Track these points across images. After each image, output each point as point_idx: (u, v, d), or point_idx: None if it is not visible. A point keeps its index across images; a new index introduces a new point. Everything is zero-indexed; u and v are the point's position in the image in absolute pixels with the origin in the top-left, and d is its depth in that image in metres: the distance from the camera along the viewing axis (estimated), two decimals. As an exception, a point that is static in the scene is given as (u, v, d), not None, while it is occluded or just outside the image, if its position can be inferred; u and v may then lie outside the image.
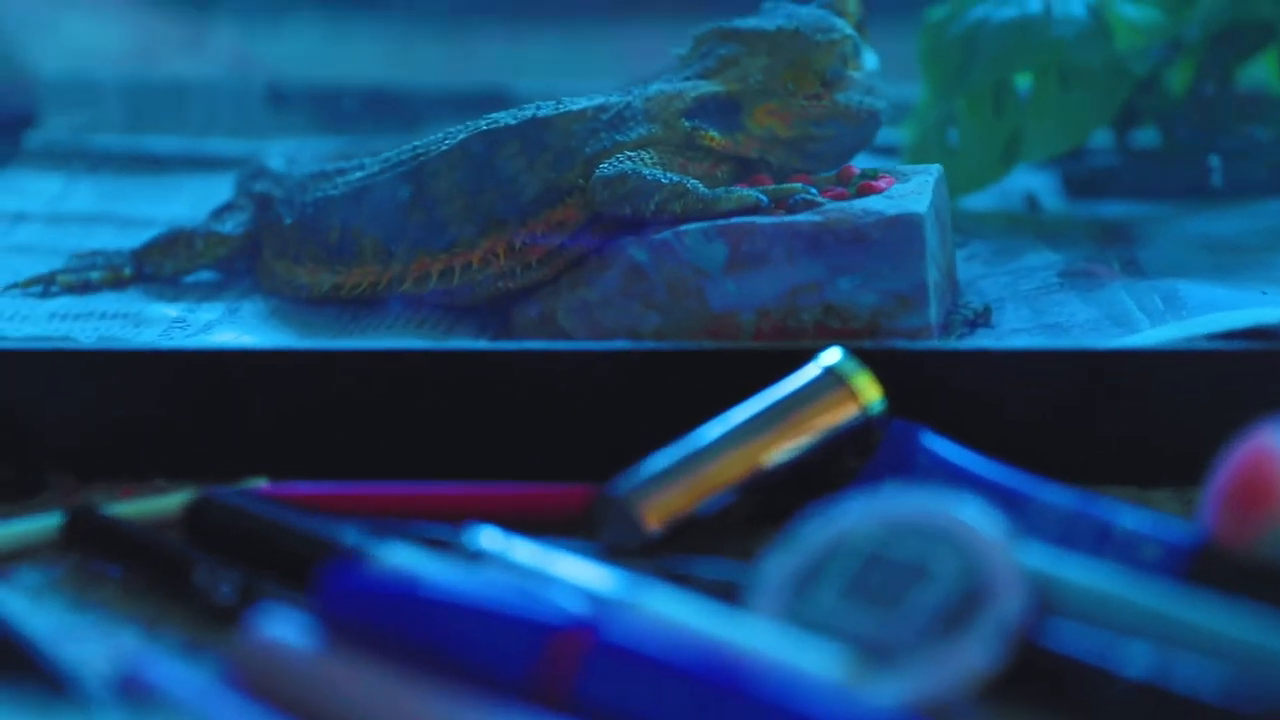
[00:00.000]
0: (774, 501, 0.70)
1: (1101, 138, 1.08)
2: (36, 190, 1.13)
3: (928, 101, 1.04)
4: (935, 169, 0.85)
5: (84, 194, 1.14)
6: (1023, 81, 1.02)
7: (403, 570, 0.59)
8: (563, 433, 0.75)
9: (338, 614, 0.56)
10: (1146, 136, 1.08)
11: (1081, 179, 1.08)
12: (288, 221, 0.91)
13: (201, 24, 1.42)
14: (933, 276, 0.79)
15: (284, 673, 0.56)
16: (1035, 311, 0.85)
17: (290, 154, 1.04)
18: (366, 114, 1.25)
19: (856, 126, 0.86)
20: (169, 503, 0.72)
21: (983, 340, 0.81)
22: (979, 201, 1.03)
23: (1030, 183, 1.08)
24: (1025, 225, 1.02)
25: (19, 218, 1.08)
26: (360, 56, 1.37)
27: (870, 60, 0.89)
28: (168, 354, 0.78)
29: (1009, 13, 1.02)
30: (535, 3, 1.41)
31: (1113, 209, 1.03)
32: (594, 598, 0.58)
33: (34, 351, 0.78)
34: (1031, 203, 1.06)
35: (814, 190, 0.81)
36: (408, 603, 0.56)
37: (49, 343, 0.81)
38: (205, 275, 0.95)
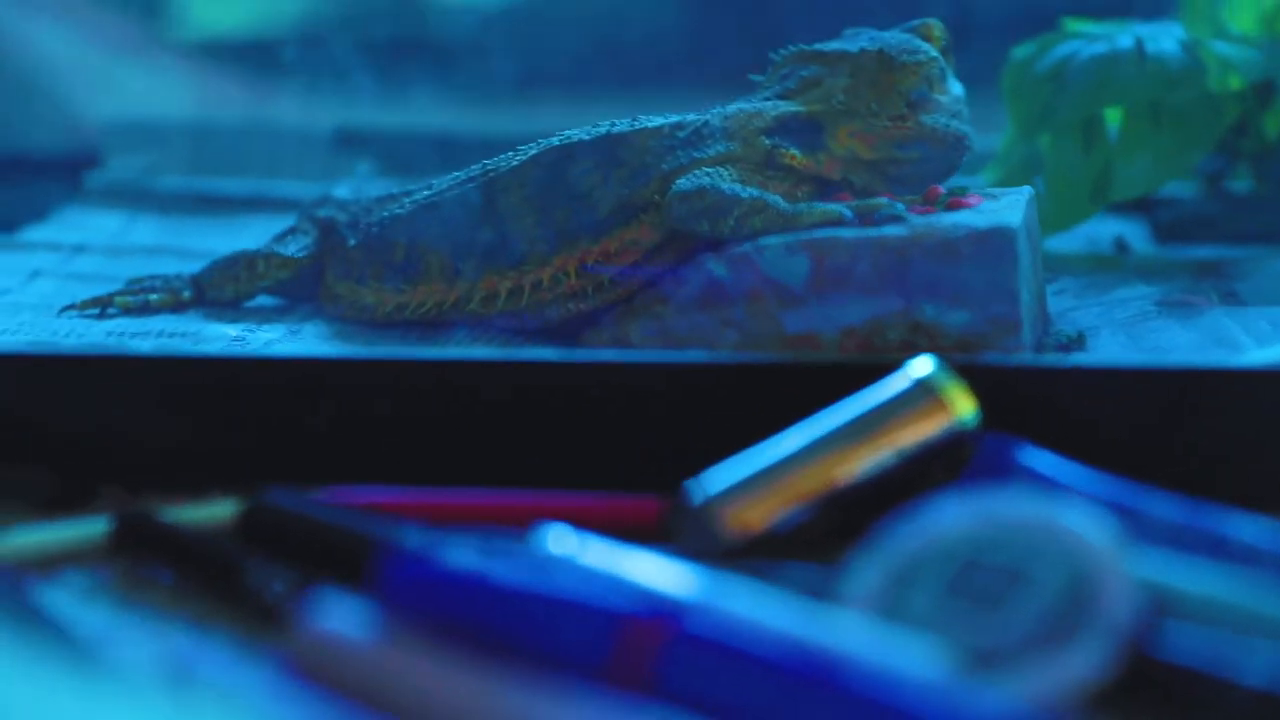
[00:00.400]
0: (856, 518, 0.66)
1: (1186, 186, 1.05)
2: (97, 226, 1.11)
3: (1012, 140, 1.01)
4: (1026, 190, 0.82)
5: (146, 229, 1.11)
6: (1112, 119, 0.99)
7: (469, 563, 0.55)
8: (635, 448, 0.71)
9: (401, 603, 0.53)
10: (1239, 180, 1.04)
11: (1170, 224, 1.04)
12: (352, 243, 0.88)
13: (271, 74, 1.40)
14: (1025, 295, 0.76)
15: (344, 663, 0.52)
16: (1132, 338, 0.81)
17: (357, 187, 1.02)
18: (433, 159, 1.23)
19: (942, 150, 0.83)
20: (221, 509, 0.68)
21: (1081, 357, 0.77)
22: (1065, 243, 1.00)
23: (1116, 230, 1.04)
24: (1115, 266, 0.98)
25: (79, 249, 1.06)
26: (428, 106, 1.36)
27: (956, 88, 0.86)
28: (223, 361, 0.75)
29: (1099, 48, 0.99)
30: (600, 71, 1.39)
31: (1205, 251, 1.00)
32: (673, 594, 0.55)
33: (85, 358, 0.75)
34: (1121, 245, 1.02)
35: (900, 205, 0.78)
36: (477, 591, 0.52)
37: (100, 348, 0.78)
38: (266, 301, 0.92)
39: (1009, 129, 1.01)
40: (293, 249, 0.91)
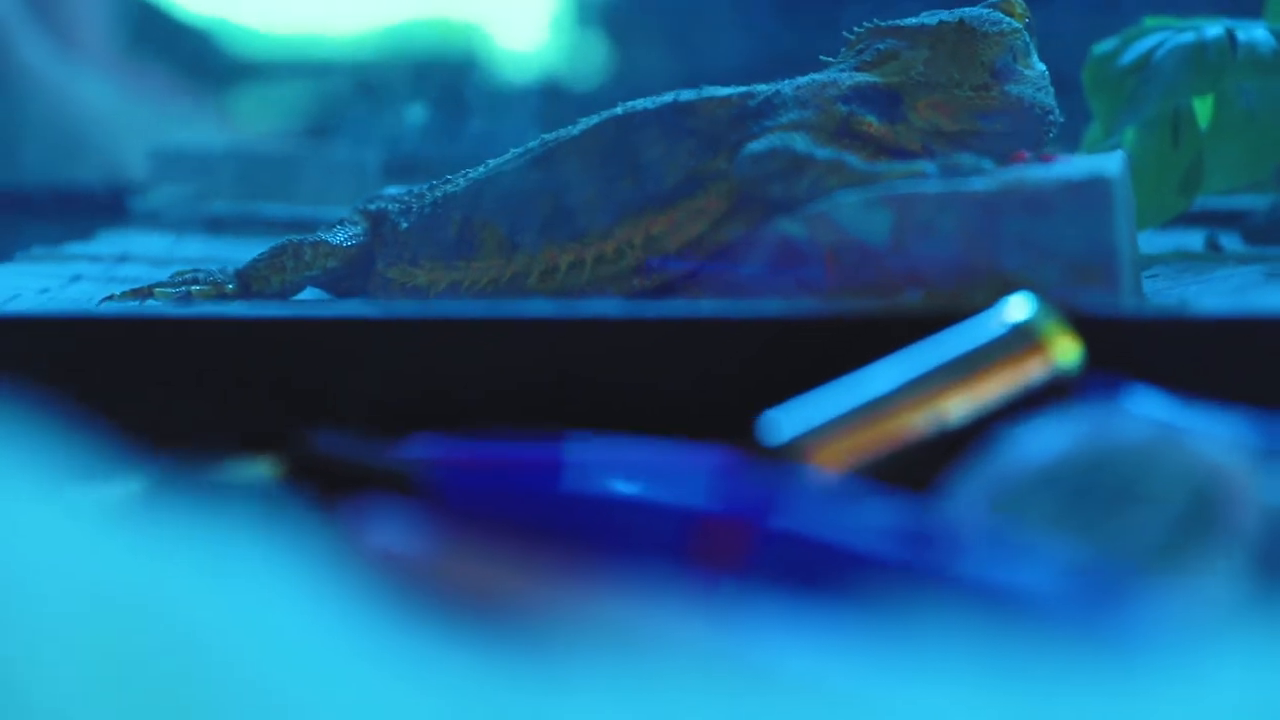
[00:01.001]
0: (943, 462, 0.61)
1: (1264, 198, 1.01)
2: (143, 244, 1.08)
3: (1095, 137, 0.96)
4: (1118, 151, 0.77)
5: (192, 246, 1.08)
6: (1201, 111, 0.94)
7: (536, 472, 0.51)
8: (708, 404, 0.66)
9: (464, 511, 0.48)
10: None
11: (1262, 228, 0.99)
12: (404, 226, 0.84)
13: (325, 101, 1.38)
14: (1123, 251, 0.71)
15: (413, 572, 0.47)
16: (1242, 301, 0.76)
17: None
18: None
19: (1028, 122, 0.78)
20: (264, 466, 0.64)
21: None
22: (1153, 243, 0.95)
23: (1204, 236, 1.00)
24: (1209, 260, 0.93)
25: (123, 258, 1.02)
26: (472, 136, 1.33)
27: (1039, 65, 0.82)
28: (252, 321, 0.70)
29: (1187, 38, 0.94)
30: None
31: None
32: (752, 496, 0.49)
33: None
34: (1213, 244, 0.97)
35: (987, 160, 0.73)
36: (544, 496, 0.47)
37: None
38: (311, 293, 0.88)
39: (1091, 126, 0.97)
40: (341, 237, 0.86)
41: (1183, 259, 0.93)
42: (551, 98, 1.47)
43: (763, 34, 1.43)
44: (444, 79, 1.50)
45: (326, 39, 1.55)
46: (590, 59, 1.58)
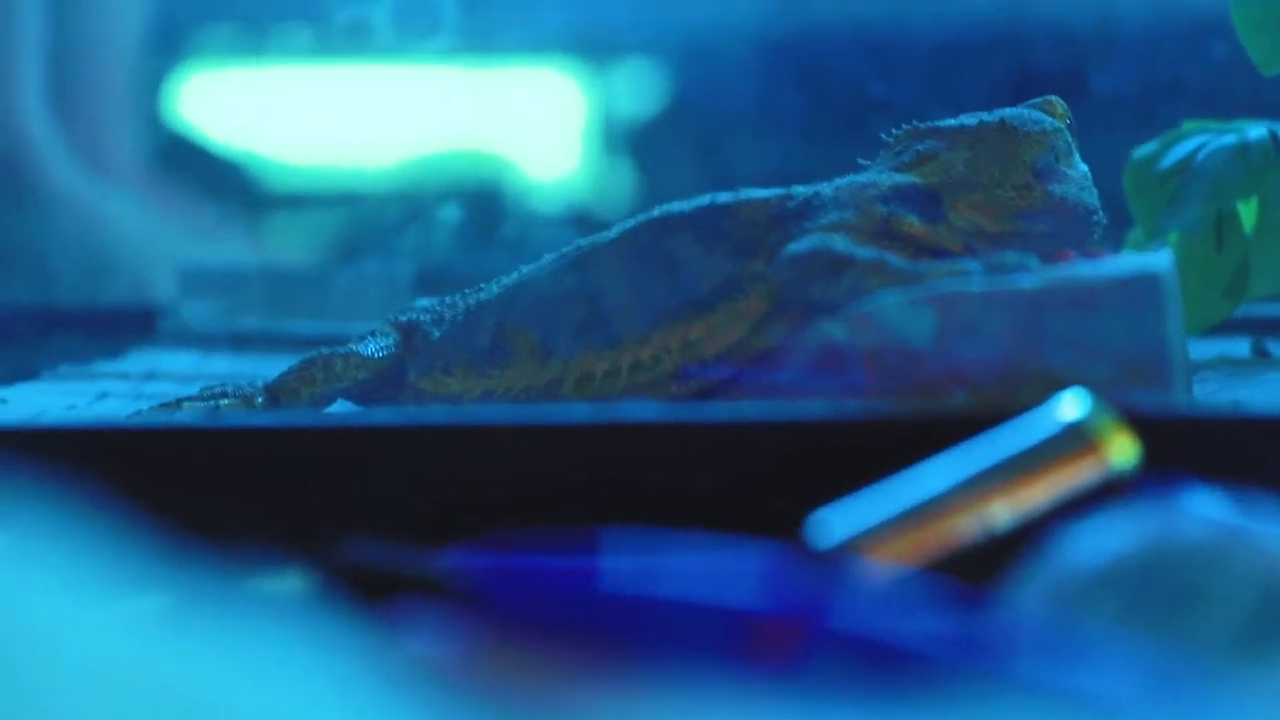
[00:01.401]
0: (983, 570, 0.59)
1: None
2: (171, 362, 1.07)
3: (1138, 241, 0.95)
4: (1165, 250, 0.75)
5: (219, 363, 1.06)
6: (1245, 214, 0.92)
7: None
8: (751, 508, 0.65)
9: (500, 613, 0.46)
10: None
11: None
12: (435, 335, 0.82)
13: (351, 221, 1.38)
14: (1173, 351, 0.69)
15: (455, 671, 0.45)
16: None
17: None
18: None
19: (1071, 223, 0.77)
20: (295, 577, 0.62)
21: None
22: (1197, 350, 0.93)
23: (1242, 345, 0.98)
24: (1255, 365, 0.91)
25: (150, 375, 1.01)
26: (503, 248, 1.32)
27: (1082, 166, 0.80)
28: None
29: (1228, 140, 0.93)
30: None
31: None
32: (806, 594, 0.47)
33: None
34: (1260, 349, 0.95)
35: (1032, 257, 0.72)
36: (584, 597, 0.45)
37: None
38: (342, 406, 0.86)
39: (1133, 230, 0.95)
40: (372, 348, 0.85)
41: (1229, 365, 0.91)
42: (581, 222, 1.47)
43: (792, 155, 1.42)
44: (475, 201, 1.49)
45: (358, 170, 1.55)
46: (619, 184, 1.58)
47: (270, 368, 1.04)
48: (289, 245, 1.48)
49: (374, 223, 1.43)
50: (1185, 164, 0.93)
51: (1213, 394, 0.80)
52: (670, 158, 1.52)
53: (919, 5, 1.38)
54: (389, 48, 1.51)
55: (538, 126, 1.56)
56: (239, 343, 1.11)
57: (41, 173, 1.32)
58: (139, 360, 1.07)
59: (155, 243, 1.35)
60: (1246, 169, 0.91)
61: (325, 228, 1.50)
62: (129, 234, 1.36)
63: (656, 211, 0.79)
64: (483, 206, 1.50)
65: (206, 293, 1.20)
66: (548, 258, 0.81)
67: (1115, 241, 0.93)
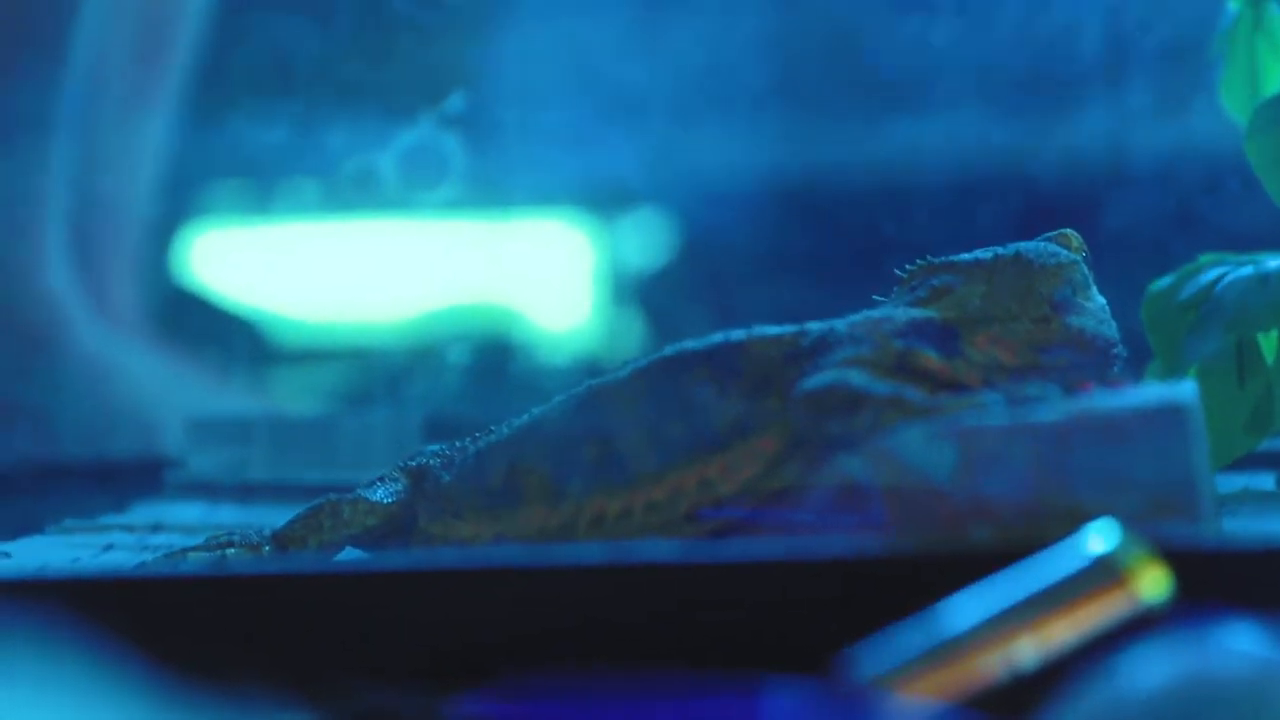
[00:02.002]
0: (1015, 707, 0.57)
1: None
2: (178, 513, 1.05)
3: (1158, 374, 0.93)
4: (1189, 381, 0.74)
5: (226, 514, 1.05)
6: (1267, 346, 0.91)
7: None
8: (773, 649, 0.63)
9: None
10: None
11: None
12: (446, 479, 0.81)
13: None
14: (1201, 483, 0.67)
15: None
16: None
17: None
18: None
19: (1091, 356, 0.76)
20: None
21: None
22: (1220, 484, 0.91)
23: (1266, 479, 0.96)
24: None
25: (156, 527, 0.99)
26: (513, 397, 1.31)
27: (1099, 298, 0.79)
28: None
29: (1245, 272, 0.92)
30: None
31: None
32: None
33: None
34: (1284, 483, 0.94)
35: (1054, 388, 0.70)
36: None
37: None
38: (350, 554, 0.84)
39: (1152, 364, 0.94)
40: (381, 494, 0.83)
41: (1256, 498, 0.90)
42: (591, 371, 1.46)
43: (805, 297, 1.41)
44: (484, 351, 1.48)
45: (367, 321, 1.55)
46: (629, 332, 1.57)
47: (279, 518, 1.02)
48: (297, 395, 1.47)
49: (383, 372, 1.42)
50: (1204, 296, 0.92)
51: (1241, 527, 0.78)
52: (681, 304, 1.51)
53: (929, 142, 1.37)
54: (396, 199, 1.51)
55: (546, 276, 1.55)
56: (247, 493, 1.10)
57: (50, 325, 1.31)
58: (145, 512, 1.06)
59: (163, 395, 1.34)
60: (1266, 300, 0.90)
61: (333, 377, 1.49)
62: (136, 387, 1.35)
63: (669, 349, 0.78)
64: (491, 356, 1.49)
65: (214, 444, 1.18)
66: (559, 398, 0.79)
67: (1135, 375, 0.91)
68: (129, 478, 1.18)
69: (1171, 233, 1.33)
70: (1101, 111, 1.35)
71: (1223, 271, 0.92)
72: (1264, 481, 0.95)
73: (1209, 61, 1.02)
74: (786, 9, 1.42)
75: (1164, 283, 0.94)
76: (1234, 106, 1.00)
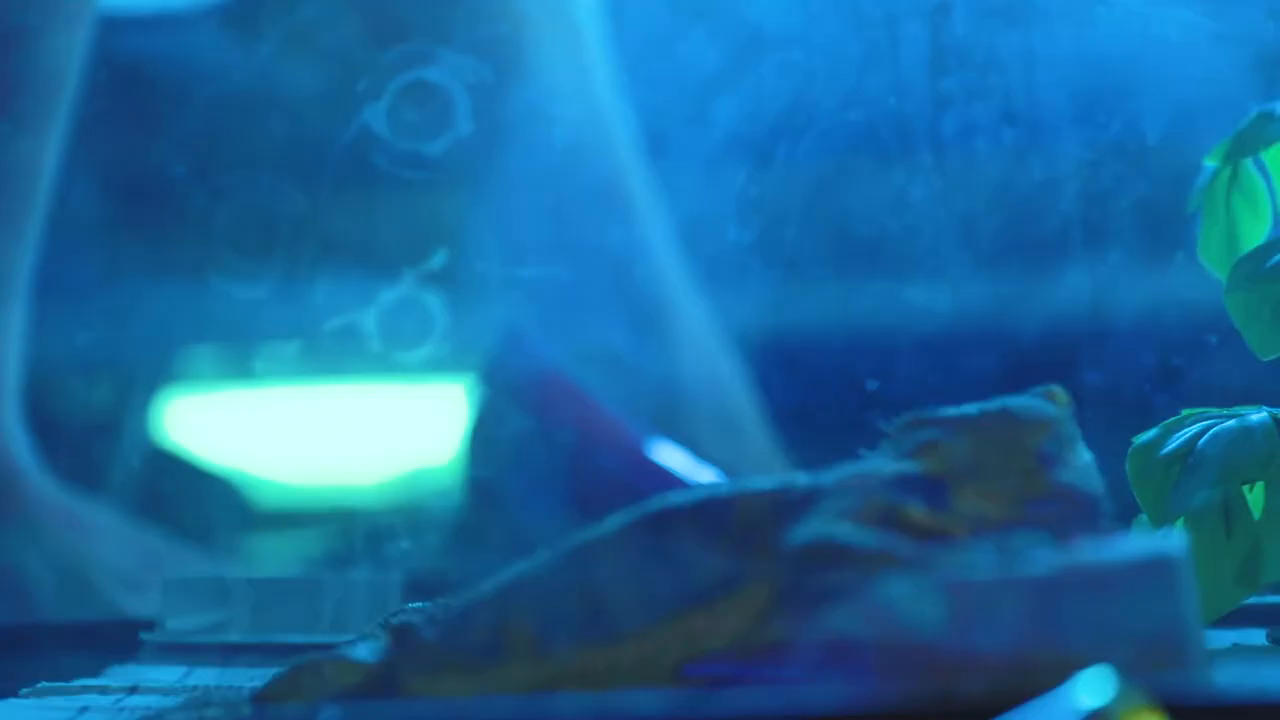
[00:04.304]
0: None
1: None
2: (155, 675, 1.04)
3: (1145, 528, 0.93)
4: (1178, 534, 0.74)
5: (205, 676, 1.04)
6: (1253, 498, 0.91)
7: None
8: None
9: None
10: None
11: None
12: (429, 636, 0.80)
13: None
14: (1195, 633, 0.67)
15: None
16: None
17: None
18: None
19: (1078, 510, 0.75)
20: None
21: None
22: (1209, 640, 0.90)
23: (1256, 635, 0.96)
24: (1274, 654, 0.89)
25: (133, 689, 0.98)
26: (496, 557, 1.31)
27: (1086, 454, 0.79)
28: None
29: (1230, 425, 0.92)
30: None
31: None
32: None
33: None
34: (1275, 638, 0.93)
35: (1042, 544, 0.70)
36: None
37: None
38: (330, 714, 0.83)
39: (1138, 518, 0.94)
40: (363, 652, 0.82)
41: (1246, 654, 0.89)
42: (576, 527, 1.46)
43: (789, 455, 1.41)
44: (467, 511, 1.48)
45: (347, 482, 1.54)
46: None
47: (259, 679, 1.01)
48: (276, 556, 1.46)
49: (364, 532, 1.41)
50: (1188, 449, 0.92)
51: (1234, 680, 0.77)
52: (663, 460, 1.51)
53: (911, 299, 1.38)
54: (377, 359, 1.51)
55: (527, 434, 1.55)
56: (227, 654, 1.09)
57: (23, 487, 1.30)
58: (122, 675, 1.05)
59: (139, 557, 1.33)
60: (1251, 453, 0.90)
61: (314, 538, 1.48)
62: (111, 549, 1.34)
63: (654, 504, 0.77)
64: (474, 516, 1.48)
65: (191, 607, 1.17)
66: (543, 553, 0.79)
67: (1123, 528, 0.91)
68: (105, 641, 1.16)
69: (1154, 387, 1.34)
70: (1082, 268, 1.36)
71: (1206, 425, 0.92)
72: (1254, 637, 0.95)
73: (1187, 218, 1.02)
74: (765, 169, 1.43)
75: (1148, 436, 0.94)
76: (1212, 262, 1.00)
